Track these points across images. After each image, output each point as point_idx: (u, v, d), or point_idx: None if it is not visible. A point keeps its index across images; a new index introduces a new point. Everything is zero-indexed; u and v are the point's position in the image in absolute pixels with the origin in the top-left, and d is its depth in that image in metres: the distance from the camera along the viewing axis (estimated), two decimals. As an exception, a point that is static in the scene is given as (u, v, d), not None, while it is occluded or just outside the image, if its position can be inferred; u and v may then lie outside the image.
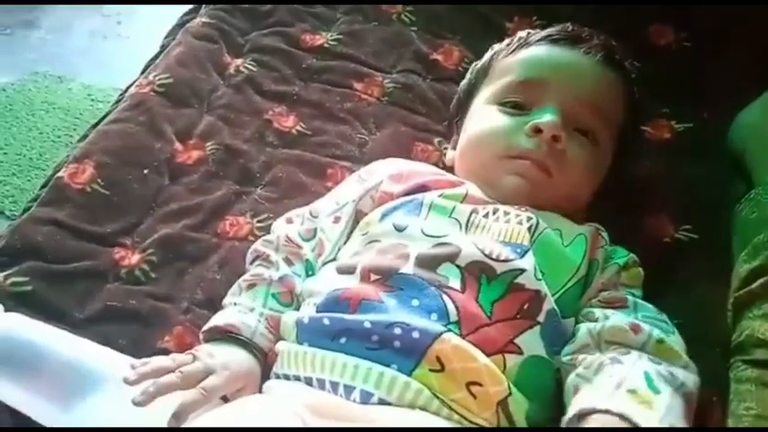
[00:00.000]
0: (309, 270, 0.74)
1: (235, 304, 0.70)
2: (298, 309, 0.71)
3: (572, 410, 0.58)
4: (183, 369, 0.60)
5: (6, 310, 0.70)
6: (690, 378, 0.62)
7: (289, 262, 0.74)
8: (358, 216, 0.79)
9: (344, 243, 0.77)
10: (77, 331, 0.69)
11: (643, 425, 0.55)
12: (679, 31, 1.09)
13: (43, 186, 0.85)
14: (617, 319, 0.66)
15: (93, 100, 2.06)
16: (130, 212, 0.84)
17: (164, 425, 0.55)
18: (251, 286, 0.71)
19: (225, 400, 0.63)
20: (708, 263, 0.81)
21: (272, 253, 0.74)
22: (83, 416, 0.62)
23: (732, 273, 0.77)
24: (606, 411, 0.56)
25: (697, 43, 1.07)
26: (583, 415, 0.57)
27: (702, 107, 0.98)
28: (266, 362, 0.68)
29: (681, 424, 0.57)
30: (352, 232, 0.78)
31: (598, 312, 0.68)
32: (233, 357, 0.65)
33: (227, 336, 0.67)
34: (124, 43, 2.42)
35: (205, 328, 0.68)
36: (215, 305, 0.74)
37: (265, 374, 0.68)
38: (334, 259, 0.76)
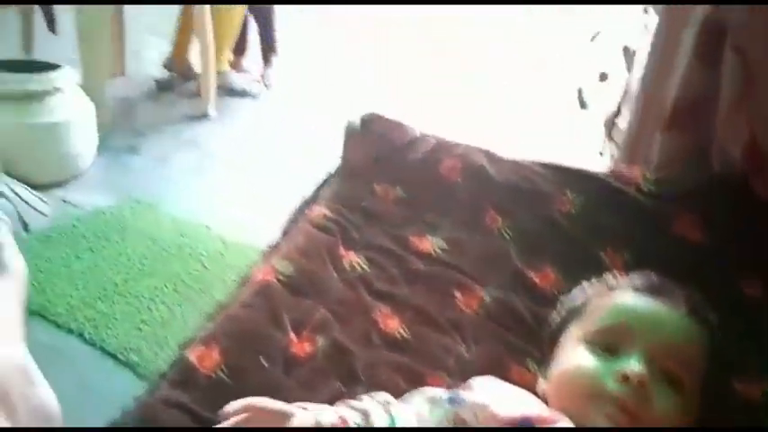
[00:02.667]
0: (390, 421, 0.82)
1: None
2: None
3: None
4: None
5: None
6: None
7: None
8: (456, 420, 0.83)
9: None
10: None
11: None
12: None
13: (173, 365, 0.92)
14: None
15: (181, 235, 2.19)
16: (246, 403, 0.89)
17: None
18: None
19: None
20: None
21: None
22: None
23: None
24: None
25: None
26: None
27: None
28: None
29: None
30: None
31: None
32: None
33: None
34: (215, 181, 2.61)
35: None
36: None
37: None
38: None
